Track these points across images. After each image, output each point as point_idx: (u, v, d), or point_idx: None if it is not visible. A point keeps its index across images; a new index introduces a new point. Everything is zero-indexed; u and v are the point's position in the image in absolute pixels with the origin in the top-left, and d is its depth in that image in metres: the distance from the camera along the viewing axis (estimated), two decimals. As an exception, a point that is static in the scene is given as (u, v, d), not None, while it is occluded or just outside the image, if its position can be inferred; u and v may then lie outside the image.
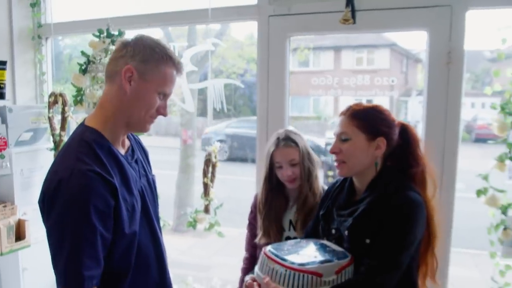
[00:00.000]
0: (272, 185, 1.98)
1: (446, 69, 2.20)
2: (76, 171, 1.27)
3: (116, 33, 2.47)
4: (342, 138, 1.57)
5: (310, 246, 1.57)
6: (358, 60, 10.39)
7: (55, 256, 1.28)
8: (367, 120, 1.56)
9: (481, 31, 2.36)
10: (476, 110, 9.77)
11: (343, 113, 1.60)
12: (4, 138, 2.64)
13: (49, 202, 1.29)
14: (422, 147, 1.63)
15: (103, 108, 1.41)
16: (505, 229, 2.17)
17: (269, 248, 1.52)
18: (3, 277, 2.81)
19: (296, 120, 12.02)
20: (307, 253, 1.49)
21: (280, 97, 2.52)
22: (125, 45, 1.40)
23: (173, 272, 3.05)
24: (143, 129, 1.46)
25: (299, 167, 1.94)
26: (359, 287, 1.43)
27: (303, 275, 1.38)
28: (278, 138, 1.97)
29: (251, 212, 2.16)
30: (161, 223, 2.52)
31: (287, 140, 1.95)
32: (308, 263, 1.41)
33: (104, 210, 1.29)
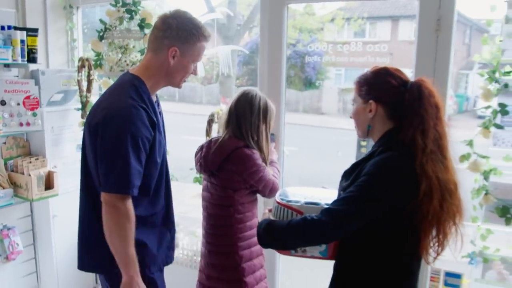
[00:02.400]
0: None
1: (435, 37, 2.33)
2: (130, 106, 1.72)
3: (130, 1, 2.77)
4: (351, 104, 1.74)
5: (323, 192, 1.81)
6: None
7: (108, 168, 1.72)
8: (361, 84, 1.67)
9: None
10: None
11: None
12: (36, 98, 3.05)
13: (106, 126, 1.72)
14: (434, 108, 1.55)
15: (148, 69, 1.85)
16: (486, 194, 2.30)
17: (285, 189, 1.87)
18: (36, 221, 3.27)
19: (348, 92, 11.99)
20: (306, 195, 1.74)
21: (278, 65, 2.71)
22: (168, 25, 1.81)
23: (190, 229, 3.36)
24: (177, 86, 1.94)
25: None
26: (298, 223, 1.55)
27: (286, 210, 1.66)
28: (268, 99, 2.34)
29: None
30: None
31: None
32: (294, 201, 1.68)
33: (148, 138, 1.77)
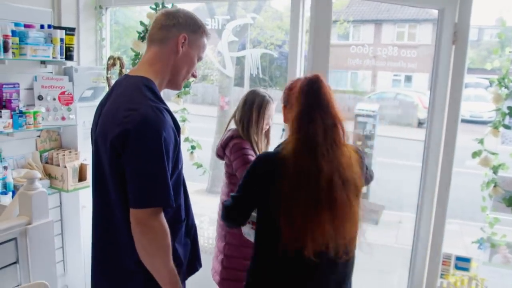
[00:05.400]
0: None
1: (451, 48, 2.68)
2: (156, 109, 1.59)
3: (169, 6, 3.06)
4: None
5: None
6: (399, 35, 10.73)
7: (145, 181, 1.57)
8: None
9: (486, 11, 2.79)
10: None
11: None
12: (70, 94, 3.29)
13: (135, 136, 1.56)
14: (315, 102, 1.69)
15: (152, 65, 1.74)
16: (495, 186, 2.69)
17: None
18: (65, 212, 3.51)
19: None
20: None
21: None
22: (174, 16, 1.76)
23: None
24: (179, 86, 1.87)
25: None
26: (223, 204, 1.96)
27: None
28: (268, 95, 2.70)
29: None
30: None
31: None
32: None
33: (174, 145, 1.67)
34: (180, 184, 1.80)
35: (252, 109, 2.64)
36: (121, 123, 1.58)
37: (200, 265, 2.00)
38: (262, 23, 8.93)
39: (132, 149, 1.57)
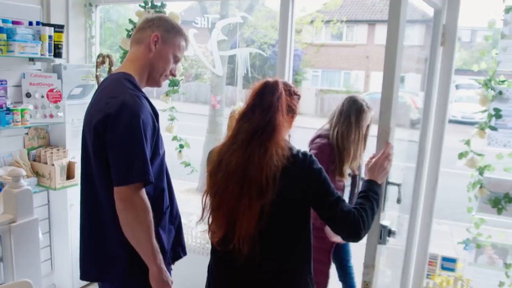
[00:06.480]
0: None
1: (440, 50, 2.69)
2: (134, 96, 1.76)
3: (159, 4, 3.05)
4: None
5: None
6: (392, 35, 10.75)
7: (125, 160, 1.70)
8: None
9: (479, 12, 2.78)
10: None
11: None
12: (59, 92, 3.28)
13: (115, 119, 1.70)
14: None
15: (133, 62, 1.91)
16: (481, 187, 2.70)
17: None
18: (53, 210, 3.49)
19: (325, 93, 12.51)
20: None
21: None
22: (150, 20, 1.96)
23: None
24: (157, 83, 1.99)
25: None
26: None
27: None
28: (366, 104, 2.80)
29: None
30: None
31: None
32: None
33: (153, 129, 1.79)
34: (162, 170, 1.94)
35: (349, 116, 2.75)
36: (103, 109, 1.73)
37: (185, 253, 2.10)
38: (256, 23, 8.94)
39: (113, 130, 1.71)
